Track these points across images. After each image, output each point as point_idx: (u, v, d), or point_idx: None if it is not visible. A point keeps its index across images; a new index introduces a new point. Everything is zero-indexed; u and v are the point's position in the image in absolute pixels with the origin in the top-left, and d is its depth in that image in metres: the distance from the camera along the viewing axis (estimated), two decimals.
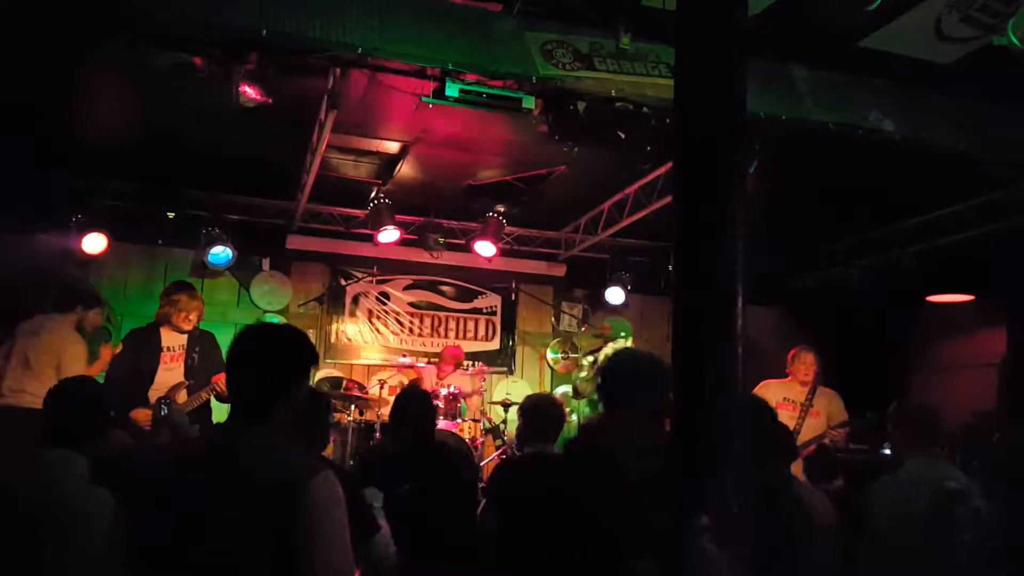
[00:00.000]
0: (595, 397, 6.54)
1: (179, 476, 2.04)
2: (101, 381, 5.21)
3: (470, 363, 8.63)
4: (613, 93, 4.87)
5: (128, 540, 2.04)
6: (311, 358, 2.20)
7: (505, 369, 9.11)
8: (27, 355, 5.40)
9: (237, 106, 4.76)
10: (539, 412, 4.15)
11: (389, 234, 7.74)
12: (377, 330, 8.76)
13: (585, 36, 4.90)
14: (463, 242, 8.52)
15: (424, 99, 4.81)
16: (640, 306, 9.28)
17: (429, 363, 8.24)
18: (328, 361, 8.49)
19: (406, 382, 8.03)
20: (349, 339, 8.66)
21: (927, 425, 3.57)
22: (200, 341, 5.53)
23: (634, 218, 7.39)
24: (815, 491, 3.93)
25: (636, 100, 4.95)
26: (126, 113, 6.05)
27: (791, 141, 5.41)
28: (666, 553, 1.83)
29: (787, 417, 5.84)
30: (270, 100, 4.79)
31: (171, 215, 7.69)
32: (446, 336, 8.85)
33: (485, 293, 9.20)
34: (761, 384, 6.08)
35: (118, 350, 5.39)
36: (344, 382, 7.50)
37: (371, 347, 8.64)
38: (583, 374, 6.50)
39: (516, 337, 9.26)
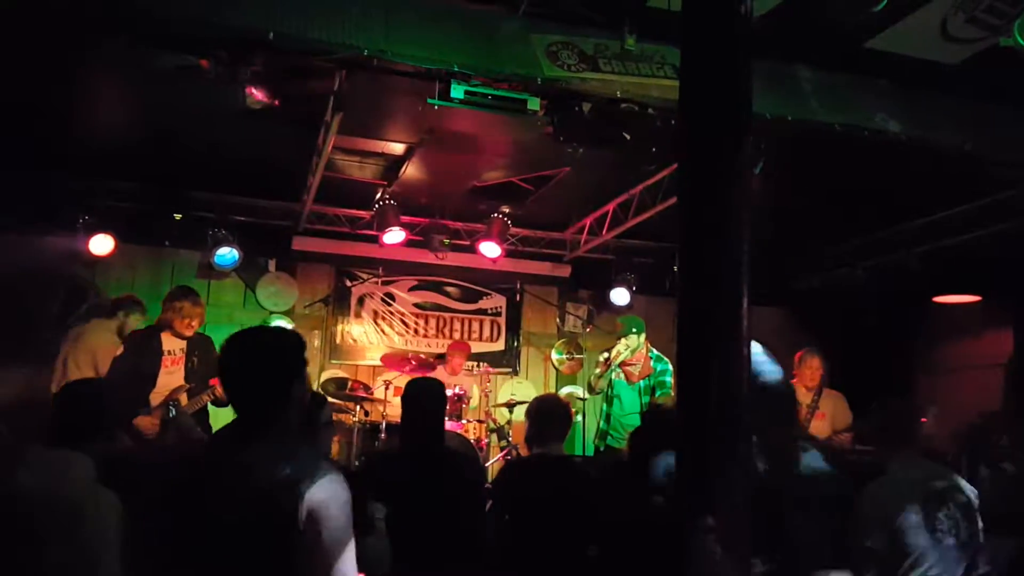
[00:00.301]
0: (609, 393, 6.53)
1: (184, 478, 2.07)
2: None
3: (474, 364, 8.64)
4: (618, 94, 4.88)
5: (133, 541, 2.05)
6: (300, 354, 2.24)
7: (510, 370, 9.11)
8: (68, 359, 5.68)
9: (243, 108, 4.77)
10: (546, 413, 4.15)
11: (394, 235, 7.76)
12: (382, 331, 8.78)
13: (590, 37, 4.91)
14: (468, 243, 8.53)
15: (429, 101, 4.82)
16: (645, 307, 9.25)
17: (436, 359, 8.22)
18: (333, 362, 8.51)
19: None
20: (354, 340, 8.68)
21: (907, 424, 3.51)
22: (199, 345, 5.56)
23: (639, 219, 7.39)
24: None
25: (641, 101, 4.95)
26: (132, 115, 6.07)
27: (797, 142, 5.40)
28: (669, 555, 1.83)
29: None
30: (276, 102, 4.80)
31: (177, 216, 7.71)
32: (451, 337, 8.86)
33: (490, 294, 9.21)
34: None
35: (119, 352, 5.40)
36: (349, 383, 7.52)
37: (376, 348, 8.65)
38: (596, 371, 6.53)
39: (521, 338, 9.27)
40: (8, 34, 4.46)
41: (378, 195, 7.62)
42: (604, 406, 6.56)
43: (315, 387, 7.31)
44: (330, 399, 7.34)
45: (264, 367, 2.17)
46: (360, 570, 2.77)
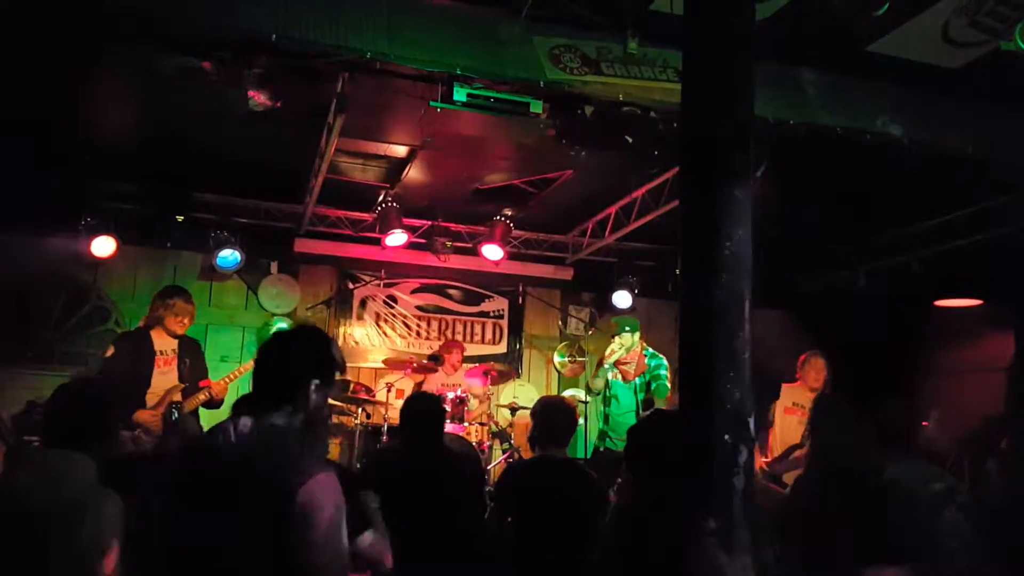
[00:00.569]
0: (607, 394, 6.54)
1: (183, 478, 2.09)
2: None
3: (475, 366, 8.63)
4: (621, 97, 4.89)
5: (135, 541, 2.06)
6: (327, 360, 2.29)
7: (512, 373, 9.10)
8: None
9: (246, 110, 4.78)
10: (550, 416, 4.15)
11: (397, 237, 7.76)
12: (384, 333, 8.78)
13: (593, 40, 4.91)
14: (470, 246, 8.53)
15: (432, 103, 4.83)
16: (647, 310, 9.26)
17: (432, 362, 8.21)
18: None
19: (412, 385, 8.05)
20: (356, 342, 8.68)
21: (905, 427, 3.49)
22: (189, 346, 5.57)
23: (641, 222, 7.39)
24: None
25: (643, 104, 4.96)
26: (135, 116, 6.09)
27: (799, 145, 5.40)
28: (671, 558, 1.83)
29: (796, 422, 5.82)
30: (279, 104, 4.81)
31: (180, 218, 7.72)
32: (453, 339, 8.85)
33: (492, 296, 9.21)
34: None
35: (110, 352, 5.39)
36: (351, 385, 7.52)
37: (378, 350, 8.65)
38: (592, 371, 6.56)
39: (523, 340, 9.27)
40: (12, 35, 4.47)
41: (380, 197, 7.63)
42: (603, 407, 6.56)
43: None
44: (332, 401, 7.38)
45: (286, 361, 2.24)
46: (360, 569, 2.77)
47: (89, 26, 4.36)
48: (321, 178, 6.54)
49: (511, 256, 8.56)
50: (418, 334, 8.89)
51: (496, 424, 7.73)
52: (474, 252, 8.44)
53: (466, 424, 7.11)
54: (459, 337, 8.93)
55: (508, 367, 8.66)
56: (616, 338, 6.47)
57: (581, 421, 7.35)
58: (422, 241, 8.33)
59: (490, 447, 7.58)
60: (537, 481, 3.95)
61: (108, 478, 2.84)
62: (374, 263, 8.65)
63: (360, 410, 7.28)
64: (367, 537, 2.73)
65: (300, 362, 2.24)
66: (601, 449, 6.45)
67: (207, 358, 5.88)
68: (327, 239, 8.41)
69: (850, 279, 8.10)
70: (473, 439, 7.09)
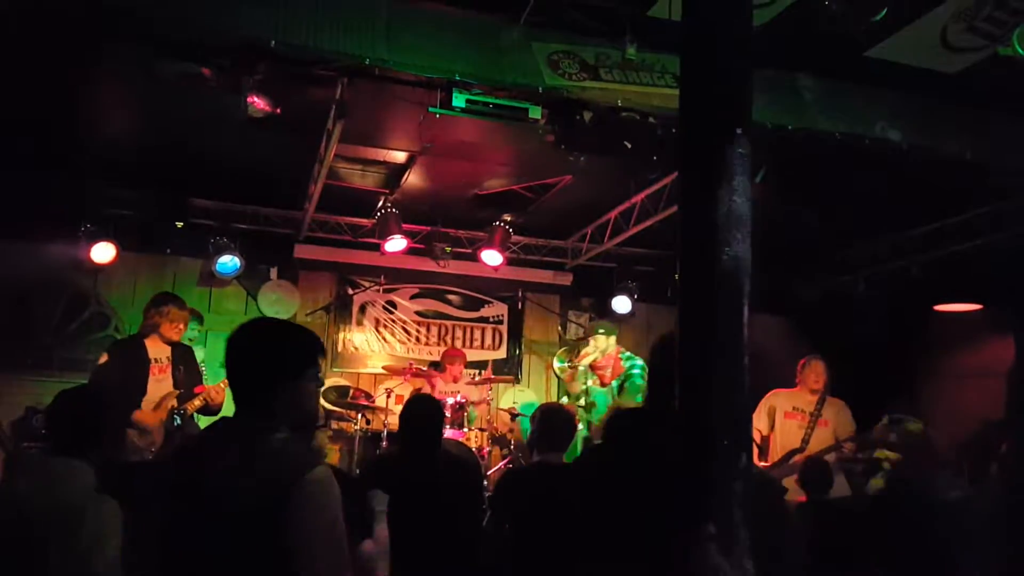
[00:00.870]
0: (586, 401, 6.51)
1: (173, 478, 2.08)
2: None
3: (476, 372, 8.64)
4: (619, 103, 4.90)
5: (132, 547, 2.05)
6: (305, 350, 2.20)
7: (511, 378, 9.10)
8: None
9: (245, 116, 4.79)
10: (548, 421, 4.16)
11: (396, 243, 7.77)
12: (384, 339, 8.78)
13: (591, 46, 4.93)
14: (470, 251, 8.54)
15: (431, 109, 4.83)
16: (647, 315, 9.28)
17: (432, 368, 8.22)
18: (335, 370, 8.51)
19: (412, 390, 8.04)
20: (356, 348, 8.68)
21: (924, 440, 3.50)
22: (182, 353, 5.56)
23: (641, 227, 7.39)
24: None
25: (642, 110, 4.97)
26: (134, 122, 6.10)
27: (798, 150, 5.41)
28: (671, 564, 1.83)
29: (796, 426, 5.82)
30: (278, 110, 4.82)
31: (179, 224, 7.73)
32: (452, 345, 8.85)
33: (492, 302, 9.21)
34: (770, 393, 6.07)
35: (103, 360, 5.37)
36: (351, 391, 7.51)
37: (378, 356, 8.64)
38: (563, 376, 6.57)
39: (523, 346, 9.27)
40: (12, 40, 4.48)
41: (380, 203, 7.63)
42: (584, 414, 6.54)
43: None
44: (332, 407, 7.38)
45: (250, 360, 2.15)
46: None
47: (88, 32, 4.37)
48: (320, 184, 6.55)
49: (510, 261, 8.56)
50: (418, 339, 8.89)
51: (496, 430, 7.72)
52: (473, 257, 8.44)
53: (465, 430, 7.10)
54: (458, 343, 8.93)
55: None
56: (591, 340, 6.47)
57: (582, 427, 7.36)
58: (421, 247, 8.33)
59: (489, 453, 7.57)
60: (534, 487, 3.95)
61: (107, 484, 2.84)
62: (374, 269, 8.66)
63: (360, 416, 7.27)
64: (367, 548, 2.72)
65: (262, 360, 2.13)
66: None
67: (207, 364, 5.88)
68: (326, 245, 8.42)
69: (850, 284, 8.10)
70: (473, 445, 7.08)
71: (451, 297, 9.07)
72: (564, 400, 8.46)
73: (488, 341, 9.15)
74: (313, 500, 1.93)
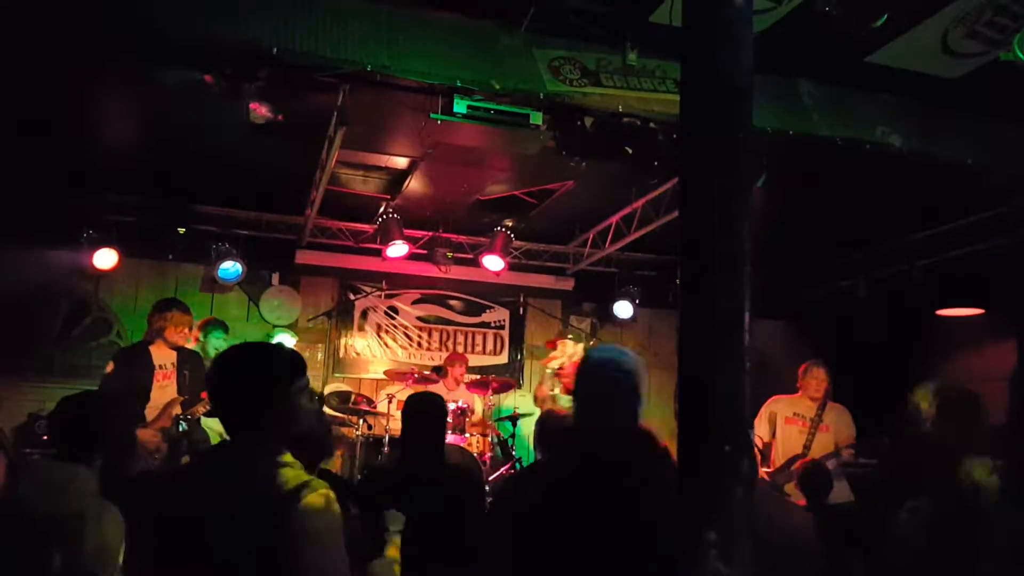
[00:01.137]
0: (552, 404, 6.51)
1: (178, 499, 2.06)
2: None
3: (475, 377, 8.62)
4: (620, 109, 4.90)
5: (133, 558, 2.05)
6: (288, 367, 2.17)
7: (514, 382, 9.09)
8: None
9: (247, 122, 4.80)
10: (550, 427, 4.16)
11: (398, 249, 7.78)
12: (386, 344, 8.78)
13: (592, 52, 4.93)
14: (471, 256, 8.54)
15: (432, 115, 4.84)
16: (649, 320, 9.29)
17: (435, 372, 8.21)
18: (336, 375, 8.51)
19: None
20: (358, 353, 8.68)
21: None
22: (188, 359, 5.58)
23: (642, 232, 7.40)
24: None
25: (643, 116, 4.98)
26: (136, 129, 6.11)
27: (799, 155, 5.41)
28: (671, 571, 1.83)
29: (797, 432, 5.82)
30: (280, 117, 4.83)
31: (181, 230, 7.74)
32: (454, 350, 8.85)
33: (493, 307, 9.21)
34: (771, 399, 6.06)
35: (109, 369, 5.40)
36: (352, 396, 7.50)
37: (380, 361, 8.64)
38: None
39: (524, 351, 9.26)
40: (13, 47, 4.49)
41: (381, 209, 7.64)
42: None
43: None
44: (333, 412, 7.37)
45: (234, 384, 2.13)
46: None
47: (90, 39, 4.38)
48: (322, 190, 6.56)
49: (512, 267, 8.57)
50: (419, 345, 8.89)
51: (497, 435, 7.71)
52: (475, 263, 8.45)
53: (467, 435, 7.10)
54: (460, 348, 8.94)
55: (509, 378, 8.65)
56: (559, 344, 6.47)
57: None
58: (423, 252, 8.34)
59: (491, 458, 7.56)
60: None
61: (109, 491, 2.84)
62: (375, 274, 8.66)
63: (361, 421, 7.26)
64: (379, 566, 2.72)
65: (253, 384, 2.11)
66: None
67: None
68: (328, 251, 8.43)
69: (852, 289, 8.10)
70: (474, 450, 7.07)
71: (453, 302, 9.08)
72: (565, 404, 8.47)
73: (490, 346, 9.16)
74: (308, 526, 1.89)
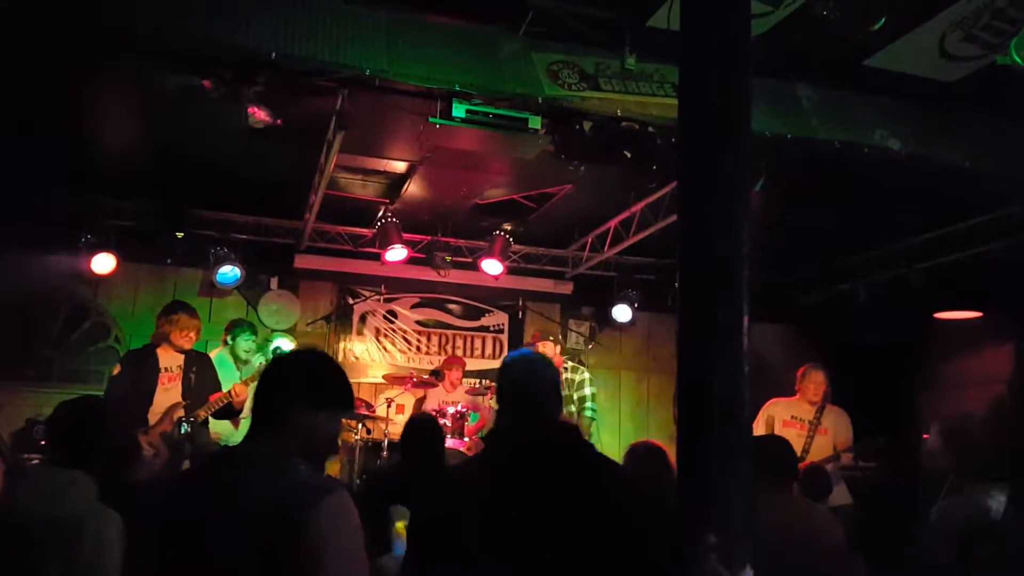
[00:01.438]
0: None
1: (180, 500, 2.04)
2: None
3: (477, 380, 8.63)
4: (618, 113, 4.91)
5: (135, 561, 2.03)
6: (336, 388, 2.18)
7: None
8: None
9: (245, 127, 4.80)
10: None
11: (396, 253, 7.77)
12: (384, 348, 8.78)
13: (591, 56, 4.94)
14: (470, 260, 8.54)
15: (431, 119, 4.85)
16: (648, 324, 9.29)
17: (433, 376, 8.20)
18: None
19: (413, 400, 8.03)
20: (357, 357, 8.67)
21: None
22: (196, 361, 5.57)
23: (641, 236, 7.40)
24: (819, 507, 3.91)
25: (641, 120, 4.99)
26: (135, 133, 6.11)
27: (797, 159, 5.42)
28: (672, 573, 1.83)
29: (795, 435, 5.80)
30: (279, 121, 4.83)
31: (180, 235, 7.73)
32: (453, 354, 8.85)
33: (492, 311, 9.21)
34: (769, 402, 6.06)
35: (116, 371, 5.41)
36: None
37: (378, 365, 8.64)
38: None
39: None
40: (13, 48, 4.50)
41: (380, 213, 7.64)
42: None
43: None
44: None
45: (265, 387, 2.15)
46: None
47: (89, 43, 4.39)
48: (321, 194, 6.56)
49: (511, 271, 8.56)
50: (418, 349, 8.89)
51: None
52: (474, 267, 8.45)
53: (466, 439, 7.09)
54: (459, 352, 8.93)
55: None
56: (536, 346, 6.49)
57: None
58: (422, 256, 8.33)
59: None
60: None
61: (108, 497, 2.83)
62: (374, 278, 8.66)
63: (360, 426, 7.26)
64: (389, 561, 2.71)
65: (281, 386, 2.13)
66: None
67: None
68: (327, 255, 8.42)
69: (850, 292, 8.10)
70: (473, 454, 7.06)
71: (451, 306, 9.07)
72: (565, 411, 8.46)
73: (489, 350, 9.15)
74: (327, 528, 1.87)
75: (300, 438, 2.06)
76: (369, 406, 7.54)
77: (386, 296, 8.82)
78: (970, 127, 5.54)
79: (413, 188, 6.95)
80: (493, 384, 7.99)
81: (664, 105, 4.93)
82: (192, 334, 5.52)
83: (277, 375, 2.17)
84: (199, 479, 2.12)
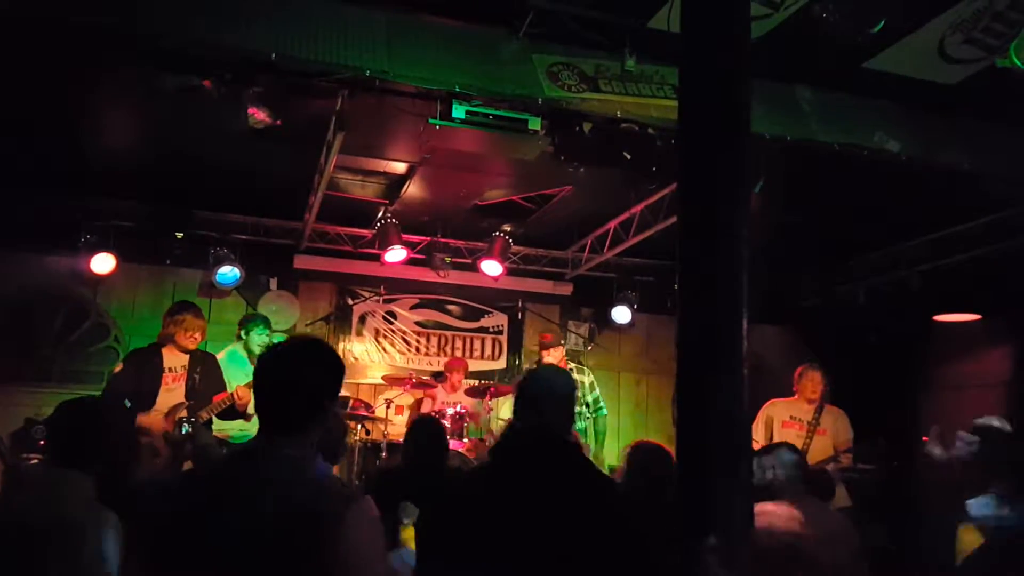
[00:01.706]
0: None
1: (193, 500, 1.98)
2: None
3: (476, 382, 8.62)
4: (618, 114, 4.91)
5: (135, 562, 2.01)
6: (340, 370, 2.11)
7: (512, 388, 9.08)
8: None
9: (245, 128, 4.80)
10: None
11: (396, 253, 7.78)
12: (384, 349, 8.77)
13: (591, 58, 4.95)
14: (470, 261, 8.54)
15: (431, 121, 4.85)
16: (647, 325, 9.29)
17: (434, 378, 8.20)
18: None
19: (412, 401, 8.04)
20: (356, 358, 8.67)
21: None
22: (201, 362, 5.57)
23: (640, 237, 7.40)
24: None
25: (641, 121, 4.99)
26: (134, 134, 6.11)
27: (797, 161, 5.42)
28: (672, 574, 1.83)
29: (794, 436, 5.81)
30: (279, 122, 4.83)
31: (179, 235, 7.73)
32: (452, 355, 8.85)
33: (492, 312, 9.21)
34: (767, 403, 6.06)
35: (118, 369, 5.41)
36: (350, 401, 7.50)
37: (378, 366, 8.64)
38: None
39: (523, 356, 9.25)
40: (12, 49, 4.50)
41: (380, 214, 7.64)
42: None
43: None
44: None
45: (299, 382, 2.00)
46: None
47: (89, 44, 4.39)
48: (320, 195, 6.56)
49: (510, 272, 8.57)
50: (417, 350, 8.88)
51: (496, 440, 7.69)
52: (473, 268, 8.45)
53: (466, 440, 7.09)
54: (458, 353, 8.92)
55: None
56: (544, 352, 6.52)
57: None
58: (421, 257, 8.34)
59: None
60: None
61: (107, 498, 2.83)
62: (373, 279, 8.66)
63: (359, 427, 7.26)
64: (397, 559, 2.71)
65: (317, 381, 2.01)
66: None
67: None
68: (326, 255, 8.42)
69: (849, 294, 8.11)
70: (474, 455, 7.06)
71: (451, 307, 9.07)
72: None
73: (488, 351, 9.15)
74: (363, 531, 1.85)
75: (320, 434, 2.02)
76: (368, 407, 7.54)
77: (385, 297, 8.81)
78: (969, 129, 5.55)
79: (413, 189, 6.95)
80: (493, 384, 8.03)
81: (664, 107, 4.93)
82: (197, 334, 5.52)
83: (315, 369, 2.03)
84: (213, 481, 2.03)
